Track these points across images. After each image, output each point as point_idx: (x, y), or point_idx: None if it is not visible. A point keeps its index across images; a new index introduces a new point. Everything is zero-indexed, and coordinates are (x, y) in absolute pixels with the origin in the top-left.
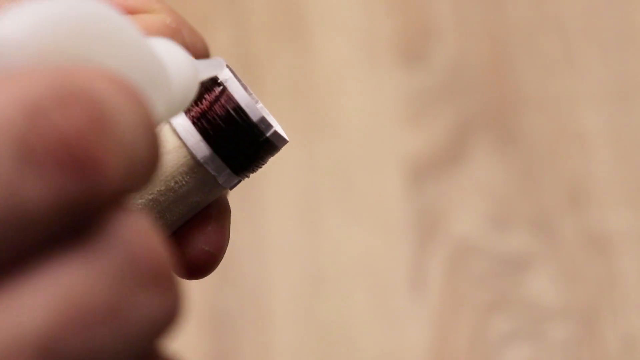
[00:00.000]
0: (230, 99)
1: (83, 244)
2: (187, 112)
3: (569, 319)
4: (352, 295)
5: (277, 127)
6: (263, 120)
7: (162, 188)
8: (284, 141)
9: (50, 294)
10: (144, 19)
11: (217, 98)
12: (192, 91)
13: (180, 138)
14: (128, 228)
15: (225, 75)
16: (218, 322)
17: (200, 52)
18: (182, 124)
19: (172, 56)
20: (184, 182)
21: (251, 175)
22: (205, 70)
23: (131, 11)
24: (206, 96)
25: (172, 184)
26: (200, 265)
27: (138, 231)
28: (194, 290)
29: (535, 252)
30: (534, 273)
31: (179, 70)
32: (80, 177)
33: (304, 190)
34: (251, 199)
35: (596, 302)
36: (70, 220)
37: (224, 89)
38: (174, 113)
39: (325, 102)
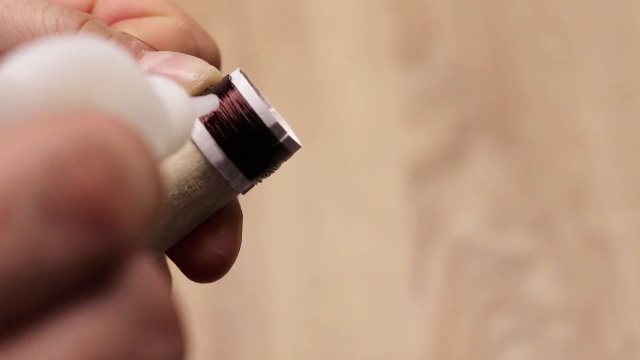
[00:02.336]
0: (244, 104)
1: (99, 295)
2: (202, 116)
3: (569, 319)
4: (352, 296)
5: (290, 132)
6: (277, 126)
7: (176, 192)
8: (296, 146)
9: (69, 343)
10: (156, 22)
11: (231, 103)
12: (190, 129)
13: (194, 143)
14: (140, 278)
15: (238, 81)
16: (218, 322)
17: (211, 56)
18: (196, 128)
19: (170, 95)
20: (197, 187)
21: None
22: (201, 108)
23: (144, 14)
24: (220, 101)
25: (186, 189)
26: (211, 269)
27: (148, 281)
28: (194, 291)
29: (535, 252)
30: (534, 273)
31: (177, 110)
32: (100, 233)
33: (304, 190)
34: (251, 199)
35: (596, 302)
36: (87, 272)
37: (238, 94)
38: (173, 152)
39: (325, 102)
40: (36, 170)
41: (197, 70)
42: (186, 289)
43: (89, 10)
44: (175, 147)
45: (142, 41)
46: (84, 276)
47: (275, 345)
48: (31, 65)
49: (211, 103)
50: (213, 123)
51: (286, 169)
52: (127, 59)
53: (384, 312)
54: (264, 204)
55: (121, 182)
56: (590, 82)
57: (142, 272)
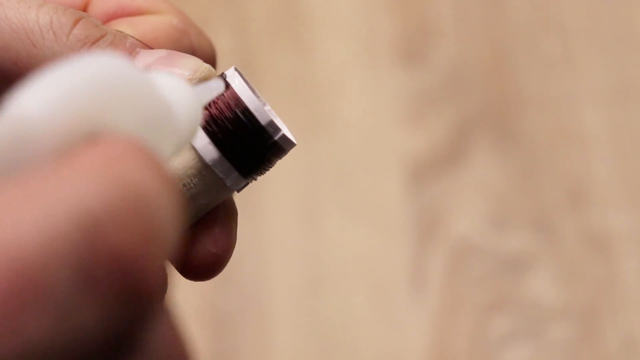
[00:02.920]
0: (239, 102)
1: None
2: None
3: (569, 319)
4: (352, 295)
5: (285, 130)
6: (271, 123)
7: None
8: (291, 144)
9: None
10: (151, 20)
11: (226, 101)
12: (197, 121)
13: None
14: (160, 336)
15: (233, 78)
16: (218, 322)
17: (207, 54)
18: None
19: (175, 93)
20: (192, 185)
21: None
22: (205, 95)
23: (139, 12)
24: (215, 99)
25: (180, 187)
26: (206, 267)
27: (167, 338)
28: (194, 291)
29: (535, 252)
30: (534, 273)
31: (184, 108)
32: (134, 301)
33: (304, 190)
34: (251, 199)
35: (596, 302)
36: (117, 336)
37: (233, 92)
38: (181, 147)
39: (325, 102)
40: (71, 236)
41: (192, 68)
42: (186, 289)
43: (84, 8)
44: (183, 145)
45: (137, 39)
46: (113, 340)
47: (275, 345)
48: (40, 97)
49: (217, 86)
50: (208, 121)
51: (286, 169)
52: (132, 69)
53: (384, 312)
54: (263, 203)
55: (154, 243)
56: (590, 82)
57: (161, 330)
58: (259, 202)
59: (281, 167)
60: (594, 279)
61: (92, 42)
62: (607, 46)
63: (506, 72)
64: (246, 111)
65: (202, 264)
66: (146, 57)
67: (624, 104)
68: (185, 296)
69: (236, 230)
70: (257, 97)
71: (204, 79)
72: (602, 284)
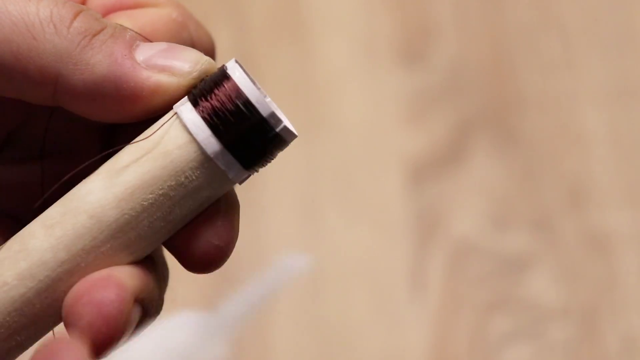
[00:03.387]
0: (240, 94)
1: None
2: (197, 107)
3: (569, 319)
4: (352, 295)
5: (286, 121)
6: (273, 115)
7: (173, 183)
8: (293, 136)
9: None
10: (150, 13)
11: (227, 93)
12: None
13: (190, 133)
14: None
15: (234, 70)
16: None
17: (206, 46)
18: (192, 119)
19: None
20: (194, 177)
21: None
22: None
23: (138, 5)
24: (216, 91)
25: (183, 179)
26: (209, 260)
27: None
28: (194, 290)
29: (535, 252)
30: (534, 273)
31: None
32: None
33: (304, 190)
34: (251, 199)
35: (596, 302)
36: None
37: (234, 84)
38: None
39: (325, 102)
40: None
41: (192, 60)
42: (186, 289)
43: (84, 1)
44: None
45: (136, 32)
46: None
47: (275, 344)
48: None
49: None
50: (209, 113)
51: (286, 169)
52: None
53: (384, 312)
54: (263, 204)
55: None
56: (590, 82)
57: None
58: (259, 202)
59: (281, 166)
60: (594, 279)
61: (92, 35)
62: (607, 46)
63: (506, 72)
64: (247, 103)
65: (205, 257)
66: (146, 49)
67: (624, 104)
68: (185, 296)
69: (238, 223)
70: (258, 89)
71: (205, 71)
72: (602, 284)
